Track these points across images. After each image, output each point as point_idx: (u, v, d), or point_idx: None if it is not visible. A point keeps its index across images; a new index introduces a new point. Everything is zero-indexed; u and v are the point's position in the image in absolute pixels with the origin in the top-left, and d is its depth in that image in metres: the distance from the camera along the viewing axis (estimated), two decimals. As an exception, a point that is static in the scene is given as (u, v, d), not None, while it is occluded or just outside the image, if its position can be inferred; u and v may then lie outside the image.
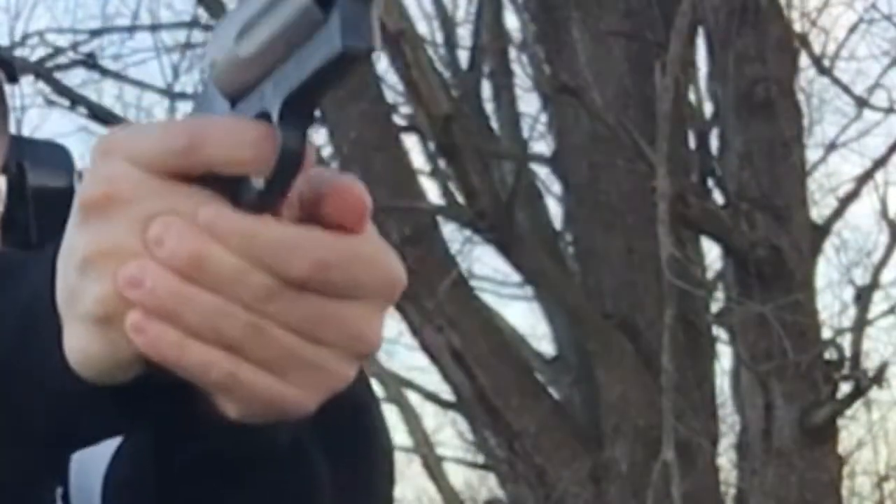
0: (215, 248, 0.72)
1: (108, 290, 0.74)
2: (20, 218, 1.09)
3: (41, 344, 0.78)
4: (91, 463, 0.94)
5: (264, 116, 0.73)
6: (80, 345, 0.76)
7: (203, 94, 0.78)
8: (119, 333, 0.74)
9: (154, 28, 7.97)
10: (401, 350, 9.32)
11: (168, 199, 0.73)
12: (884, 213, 7.42)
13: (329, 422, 0.82)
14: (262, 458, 0.84)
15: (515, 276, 7.59)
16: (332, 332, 0.74)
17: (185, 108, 8.36)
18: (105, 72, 7.65)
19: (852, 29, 7.25)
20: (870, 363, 6.46)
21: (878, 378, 6.15)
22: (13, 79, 1.13)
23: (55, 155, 1.15)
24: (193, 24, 8.12)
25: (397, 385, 8.97)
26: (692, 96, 6.77)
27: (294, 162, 0.72)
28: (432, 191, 7.48)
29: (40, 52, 7.25)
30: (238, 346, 0.73)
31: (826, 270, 9.84)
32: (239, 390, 0.74)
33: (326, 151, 7.44)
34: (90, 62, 7.41)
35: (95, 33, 7.59)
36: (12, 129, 1.14)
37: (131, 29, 7.83)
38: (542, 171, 7.75)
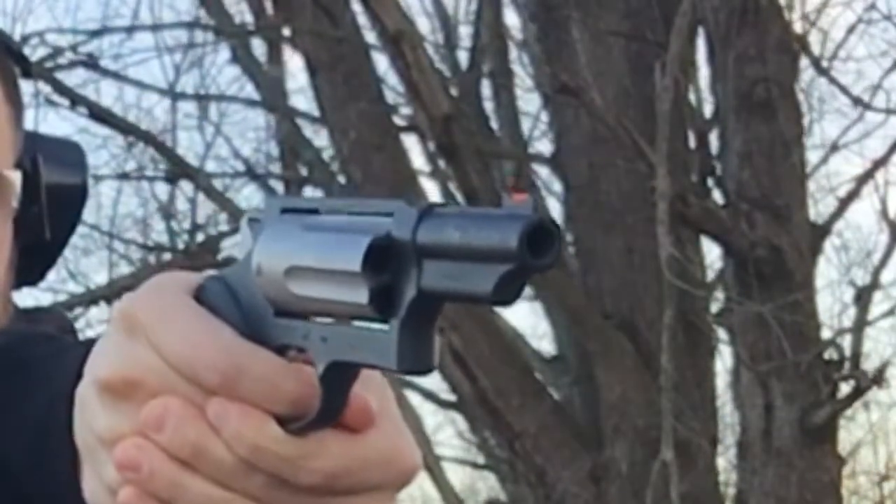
0: (219, 443, 0.71)
1: (114, 475, 0.73)
2: (34, 214, 1.09)
3: (55, 466, 0.78)
4: None
5: (303, 350, 0.72)
6: (96, 499, 0.76)
7: (246, 269, 0.75)
8: None
9: (154, 28, 7.97)
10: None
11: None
12: (884, 213, 7.41)
13: None
14: None
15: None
16: None
17: (185, 108, 8.36)
18: (105, 72, 7.65)
19: (851, 29, 7.24)
20: (870, 363, 6.45)
21: (878, 378, 6.15)
22: (28, 74, 1.14)
23: (69, 152, 1.15)
24: (194, 24, 8.12)
25: (397, 385, 8.97)
26: (692, 96, 6.77)
27: (332, 416, 0.72)
28: (432, 191, 7.49)
29: (40, 52, 7.24)
30: None
31: (826, 270, 9.83)
32: None
33: (327, 152, 7.45)
34: (90, 62, 7.41)
35: (95, 33, 7.59)
36: None
37: (131, 29, 7.83)
38: (542, 171, 7.76)
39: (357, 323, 0.69)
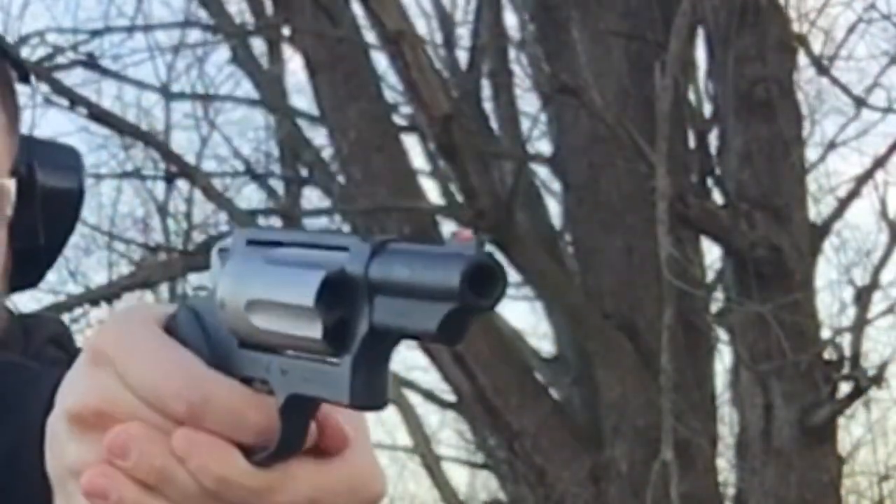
0: (184, 471, 0.71)
1: None
2: (29, 219, 1.09)
3: (27, 494, 0.79)
4: None
5: (267, 385, 0.72)
6: None
7: (212, 300, 0.76)
8: None
9: (155, 28, 7.97)
10: (401, 350, 9.32)
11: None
12: (884, 213, 7.41)
13: None
14: None
15: (515, 276, 7.59)
16: None
17: (181, 108, 8.36)
18: (105, 72, 7.65)
19: (851, 29, 7.25)
20: (869, 363, 6.45)
21: (878, 378, 6.15)
22: (25, 79, 1.14)
23: (64, 156, 1.15)
24: (194, 24, 8.12)
25: (397, 385, 8.96)
26: (692, 96, 6.77)
27: (292, 447, 0.72)
28: (432, 191, 7.49)
29: (40, 52, 7.24)
30: None
31: (826, 270, 9.83)
32: None
33: (327, 152, 7.45)
34: (90, 62, 7.40)
35: (95, 33, 7.58)
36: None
37: (131, 29, 7.83)
38: (542, 171, 7.75)
39: (314, 358, 0.70)
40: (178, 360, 0.73)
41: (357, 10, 6.51)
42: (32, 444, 0.79)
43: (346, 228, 6.82)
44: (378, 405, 0.69)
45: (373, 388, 0.69)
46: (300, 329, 0.69)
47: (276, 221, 7.67)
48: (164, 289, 7.75)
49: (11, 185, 1.07)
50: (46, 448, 0.77)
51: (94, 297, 7.21)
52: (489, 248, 0.65)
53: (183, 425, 0.72)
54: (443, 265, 0.65)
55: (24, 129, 1.13)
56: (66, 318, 7.02)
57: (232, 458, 0.71)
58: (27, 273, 1.13)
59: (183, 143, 8.53)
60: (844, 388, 6.22)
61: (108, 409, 0.73)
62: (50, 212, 1.10)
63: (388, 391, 0.69)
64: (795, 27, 6.76)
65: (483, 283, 0.64)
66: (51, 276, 1.22)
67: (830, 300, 7.70)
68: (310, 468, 0.73)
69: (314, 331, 0.68)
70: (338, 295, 0.68)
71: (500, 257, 0.66)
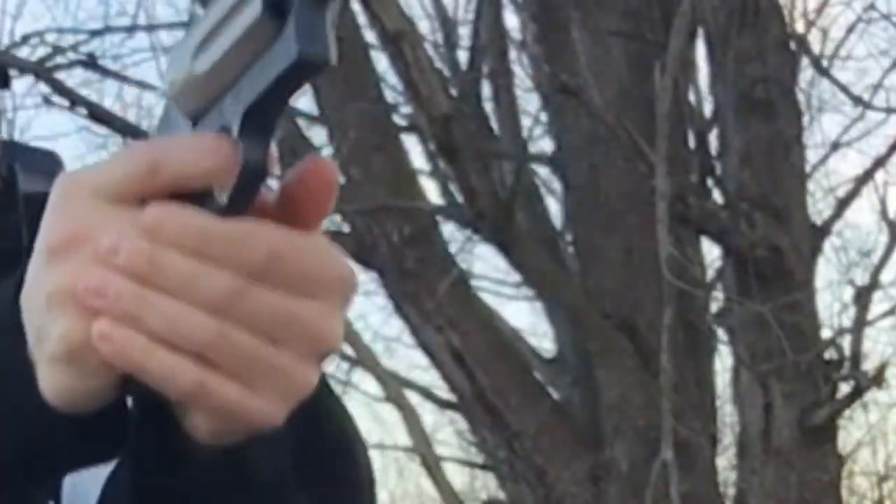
0: (171, 252, 0.73)
1: (71, 325, 0.74)
2: (11, 222, 1.10)
3: (11, 379, 0.79)
4: (86, 485, 0.94)
5: (225, 131, 0.73)
6: (52, 383, 0.77)
7: (165, 115, 0.78)
8: (86, 365, 0.75)
9: (155, 28, 7.97)
10: (401, 349, 9.33)
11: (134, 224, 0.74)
12: (884, 213, 7.42)
13: (310, 458, 0.84)
14: (244, 491, 0.84)
15: (516, 276, 7.59)
16: (292, 331, 0.75)
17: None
18: (105, 72, 7.65)
19: (850, 29, 7.25)
20: (869, 363, 6.46)
21: (878, 378, 6.15)
22: (5, 84, 1.15)
23: (46, 161, 1.16)
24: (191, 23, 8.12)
25: (397, 385, 8.96)
26: (692, 96, 6.76)
27: (256, 173, 0.73)
28: (432, 191, 7.49)
29: (40, 52, 7.25)
30: (203, 352, 0.73)
31: (826, 270, 9.84)
32: (206, 400, 0.75)
33: (326, 151, 7.44)
34: (90, 62, 7.40)
35: (95, 33, 7.59)
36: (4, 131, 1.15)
37: (131, 29, 7.83)
38: (542, 171, 7.75)
39: (259, 50, 0.70)
40: (139, 147, 0.77)
41: (357, 10, 6.51)
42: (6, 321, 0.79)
43: (346, 228, 6.82)
44: (326, 53, 0.70)
45: (318, 35, 0.69)
46: (242, 24, 0.70)
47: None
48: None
49: None
50: (24, 304, 0.78)
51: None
52: None
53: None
54: None
55: (24, 129, 1.13)
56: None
57: (205, 215, 0.74)
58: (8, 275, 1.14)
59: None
60: (844, 388, 6.22)
61: (80, 228, 0.75)
62: (31, 216, 1.11)
63: (333, 49, 0.70)
64: (796, 27, 6.77)
65: None
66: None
67: (830, 300, 7.71)
68: (279, 227, 0.74)
69: (254, 9, 0.69)
70: None
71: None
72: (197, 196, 0.74)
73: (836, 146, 7.31)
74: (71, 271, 0.75)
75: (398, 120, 7.19)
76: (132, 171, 0.74)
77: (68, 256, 0.75)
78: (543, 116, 7.55)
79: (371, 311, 8.14)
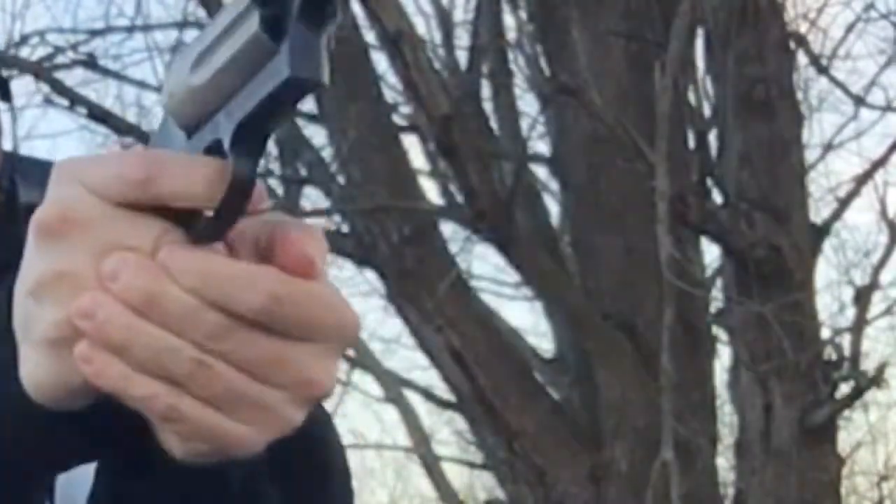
0: (170, 286, 0.73)
1: (61, 316, 0.75)
2: (12, 234, 1.11)
3: (3, 377, 0.79)
4: (78, 481, 0.94)
5: (217, 145, 0.73)
6: (33, 369, 0.77)
7: (161, 125, 0.79)
8: (70, 359, 0.75)
9: (155, 28, 7.97)
10: (400, 349, 9.33)
11: (123, 229, 0.74)
12: (883, 213, 7.42)
13: (283, 459, 0.83)
14: (214, 496, 0.84)
15: (515, 276, 7.59)
16: (282, 374, 0.74)
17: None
18: (105, 72, 7.66)
19: (850, 28, 7.24)
20: (869, 363, 6.46)
21: (877, 378, 6.15)
22: (6, 97, 1.15)
23: (46, 173, 1.17)
24: (193, 24, 8.12)
25: (397, 385, 8.97)
26: (691, 96, 6.76)
27: (243, 189, 0.73)
28: (432, 191, 7.49)
29: (40, 52, 7.25)
30: (183, 382, 0.73)
31: (825, 270, 9.85)
32: (181, 424, 0.74)
33: (326, 151, 7.45)
34: (90, 62, 7.41)
35: (95, 33, 7.59)
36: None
37: (131, 29, 7.83)
38: (542, 172, 7.75)
39: (255, 67, 0.71)
40: (135, 151, 0.77)
41: (357, 10, 6.51)
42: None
43: (346, 228, 6.82)
44: (318, 75, 0.70)
45: (311, 58, 0.70)
46: (239, 39, 0.71)
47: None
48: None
49: None
50: (16, 289, 0.78)
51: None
52: None
53: (149, 210, 0.74)
54: None
55: (24, 129, 1.14)
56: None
57: (213, 256, 0.74)
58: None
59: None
60: (844, 388, 6.22)
61: (70, 214, 0.75)
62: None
63: (327, 68, 0.70)
64: (795, 27, 6.77)
65: None
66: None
67: (830, 300, 7.70)
68: (281, 273, 0.74)
69: (251, 26, 0.70)
70: None
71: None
72: (184, 210, 0.75)
73: (830, 146, 7.32)
74: (59, 259, 0.75)
75: (398, 120, 7.20)
76: (125, 177, 0.74)
77: (57, 242, 0.75)
78: (543, 116, 7.55)
79: (370, 311, 8.13)
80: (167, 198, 0.74)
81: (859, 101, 7.11)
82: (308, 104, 7.65)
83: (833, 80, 7.12)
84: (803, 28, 6.87)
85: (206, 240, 0.74)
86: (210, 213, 0.74)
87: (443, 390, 7.91)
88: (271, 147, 8.23)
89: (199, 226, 0.75)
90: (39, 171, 1.15)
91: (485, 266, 8.40)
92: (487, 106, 7.55)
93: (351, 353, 8.75)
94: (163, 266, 0.73)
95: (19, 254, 1.07)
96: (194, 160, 0.75)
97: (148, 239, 0.74)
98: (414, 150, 7.35)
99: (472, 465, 9.72)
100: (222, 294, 0.73)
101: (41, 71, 6.84)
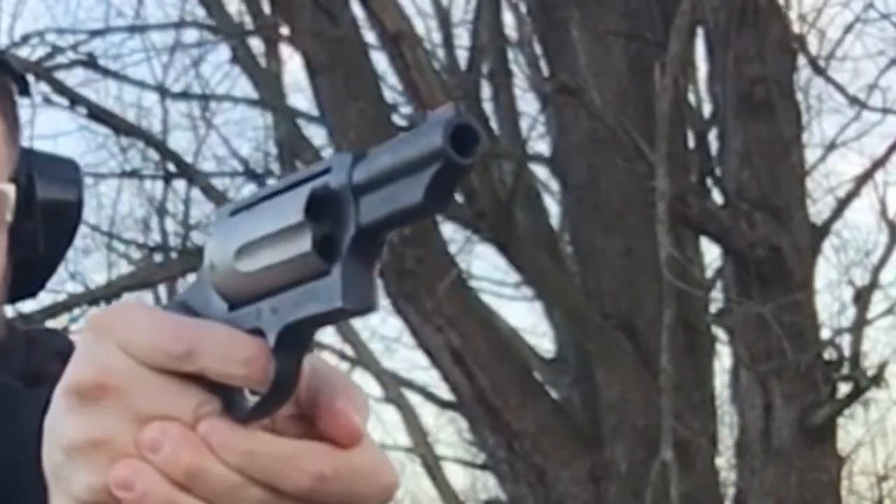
0: (213, 461, 0.73)
1: (97, 482, 0.74)
2: (28, 229, 1.11)
3: (26, 498, 0.79)
4: None
5: (259, 332, 0.73)
6: None
7: (199, 283, 0.78)
8: None
9: (154, 28, 7.97)
10: (401, 349, 9.33)
11: (161, 397, 0.73)
12: (883, 213, 7.41)
13: None
14: None
15: (515, 276, 7.59)
16: None
17: (177, 107, 8.34)
18: (105, 72, 7.66)
19: (848, 29, 7.24)
20: (869, 363, 6.45)
21: (878, 378, 6.15)
22: (25, 92, 1.16)
23: (64, 169, 1.17)
24: (193, 24, 8.12)
25: (397, 385, 8.96)
26: (691, 96, 6.76)
27: (286, 387, 0.73)
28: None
29: (40, 52, 7.25)
30: None
31: (825, 270, 9.85)
32: None
33: (326, 152, 7.44)
34: (90, 62, 7.41)
35: (95, 33, 7.59)
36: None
37: (131, 29, 7.83)
38: (542, 172, 7.75)
39: (305, 278, 0.71)
40: (173, 317, 0.75)
41: (357, 10, 6.51)
42: (30, 456, 0.79)
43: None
44: (370, 306, 0.70)
45: (363, 290, 0.70)
46: (289, 250, 0.71)
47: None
48: (162, 289, 7.76)
49: (11, 190, 1.08)
50: (45, 433, 0.77)
51: (93, 298, 7.21)
52: (464, 111, 0.67)
53: (185, 377, 0.73)
54: (424, 133, 0.67)
55: (23, 129, 1.14)
56: (65, 318, 7.02)
57: (257, 433, 0.73)
58: (27, 284, 1.15)
59: (182, 143, 8.53)
60: (844, 388, 6.22)
61: (107, 379, 0.74)
62: (49, 223, 1.12)
63: (377, 297, 0.71)
64: (794, 27, 6.76)
65: (465, 141, 0.66)
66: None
67: (830, 300, 7.70)
68: (331, 447, 0.74)
69: (304, 244, 0.70)
70: (324, 208, 0.70)
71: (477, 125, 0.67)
72: (224, 385, 0.74)
73: (832, 146, 7.31)
74: (96, 425, 0.74)
75: (398, 120, 7.19)
76: (166, 347, 0.73)
77: (93, 405, 0.74)
78: (543, 116, 7.55)
79: (370, 311, 8.12)
80: (207, 373, 0.73)
81: (857, 102, 7.11)
82: (308, 104, 7.66)
83: (831, 81, 7.12)
84: (802, 29, 6.87)
85: (246, 423, 0.74)
86: (251, 400, 0.74)
87: (443, 390, 7.91)
88: (271, 147, 8.23)
89: (239, 410, 0.74)
90: (57, 166, 1.15)
91: (485, 266, 8.42)
92: (487, 106, 7.56)
93: (351, 353, 8.76)
94: (205, 439, 0.73)
95: (34, 251, 1.07)
96: (237, 338, 0.74)
97: (187, 409, 0.73)
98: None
99: (472, 465, 9.72)
100: (267, 473, 0.73)
101: (41, 71, 6.84)
